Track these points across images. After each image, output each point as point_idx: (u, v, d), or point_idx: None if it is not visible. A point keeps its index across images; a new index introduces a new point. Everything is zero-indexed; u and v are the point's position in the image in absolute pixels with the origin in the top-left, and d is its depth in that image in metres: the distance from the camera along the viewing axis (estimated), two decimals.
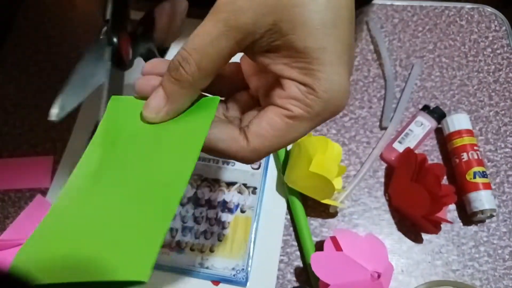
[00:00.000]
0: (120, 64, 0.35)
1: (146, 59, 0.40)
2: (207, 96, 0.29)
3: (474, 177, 0.49)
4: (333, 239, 0.44)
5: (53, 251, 0.22)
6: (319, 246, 0.48)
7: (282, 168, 0.51)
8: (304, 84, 0.24)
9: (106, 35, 0.34)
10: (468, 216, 0.50)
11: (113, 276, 0.20)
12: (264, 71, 0.28)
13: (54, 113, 0.26)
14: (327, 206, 0.50)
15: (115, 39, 0.35)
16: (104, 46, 0.34)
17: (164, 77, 0.26)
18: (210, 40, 0.24)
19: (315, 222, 0.50)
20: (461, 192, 0.50)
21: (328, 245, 0.44)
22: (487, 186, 0.49)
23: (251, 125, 0.26)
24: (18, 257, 0.22)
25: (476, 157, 0.50)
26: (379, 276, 0.42)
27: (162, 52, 0.43)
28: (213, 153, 0.26)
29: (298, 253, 0.49)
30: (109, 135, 0.28)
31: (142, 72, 0.29)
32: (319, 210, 0.50)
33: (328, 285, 0.42)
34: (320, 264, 0.43)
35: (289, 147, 0.53)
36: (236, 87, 0.30)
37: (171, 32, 0.42)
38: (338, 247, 0.44)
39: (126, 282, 0.20)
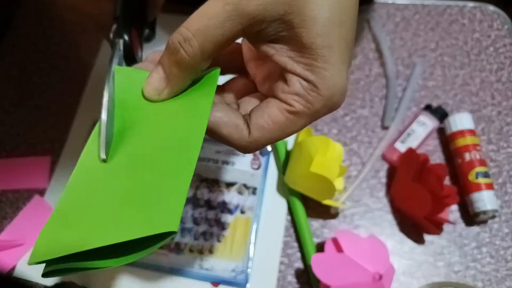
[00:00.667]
0: (132, 62, 0.34)
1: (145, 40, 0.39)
2: (208, 69, 0.29)
3: (477, 178, 0.49)
4: (334, 240, 0.44)
5: (78, 222, 0.22)
6: (320, 248, 0.47)
7: (283, 168, 0.51)
8: (308, 81, 0.24)
9: (116, 34, 0.33)
10: (471, 217, 0.49)
11: (144, 231, 0.21)
12: (264, 59, 0.28)
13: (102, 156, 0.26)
14: (328, 207, 0.49)
15: (126, 37, 0.35)
16: (116, 47, 0.33)
17: (163, 56, 0.26)
18: (217, 23, 0.23)
19: (316, 223, 0.50)
20: (463, 193, 0.49)
21: (329, 246, 0.44)
22: (489, 186, 0.48)
23: (253, 116, 0.26)
24: (43, 233, 0.22)
25: (478, 157, 0.50)
26: (380, 277, 0.41)
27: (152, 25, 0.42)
28: (214, 135, 0.26)
29: (298, 254, 0.48)
30: (118, 106, 0.27)
31: (145, 59, 0.29)
32: (320, 210, 0.50)
33: (329, 286, 0.42)
34: (321, 266, 0.43)
35: (289, 147, 0.52)
36: (234, 68, 0.30)
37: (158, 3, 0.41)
38: (339, 249, 0.43)
39: (157, 236, 0.21)
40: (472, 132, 0.51)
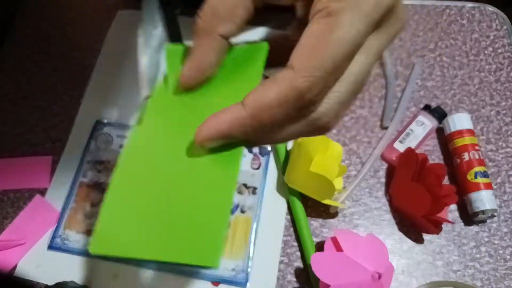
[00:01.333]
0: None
1: None
2: (254, 43, 0.27)
3: (475, 177, 0.49)
4: (334, 240, 0.44)
5: (130, 229, 0.24)
6: (320, 247, 0.48)
7: (283, 168, 0.51)
8: None
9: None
10: (469, 216, 0.49)
11: (190, 260, 0.23)
12: None
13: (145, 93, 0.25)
14: (327, 206, 0.50)
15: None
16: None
17: None
18: None
19: (315, 223, 0.50)
20: (462, 192, 0.50)
21: (328, 245, 0.44)
22: (488, 186, 0.49)
23: (291, 55, 0.21)
24: (98, 233, 0.24)
25: (477, 157, 0.50)
26: (380, 276, 0.42)
27: None
28: (267, 113, 0.21)
29: (298, 253, 0.48)
30: (165, 100, 0.27)
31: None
32: (320, 210, 0.50)
33: (328, 285, 0.42)
34: (320, 265, 0.43)
35: (289, 147, 0.52)
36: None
37: None
38: (338, 248, 0.43)
39: (200, 266, 0.23)
40: (471, 132, 0.51)
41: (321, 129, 0.23)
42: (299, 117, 0.22)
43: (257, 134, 0.22)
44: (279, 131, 0.22)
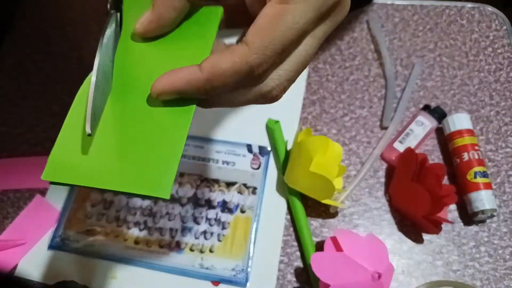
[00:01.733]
0: None
1: None
2: (209, 7, 0.28)
3: (475, 177, 0.49)
4: (333, 239, 0.44)
5: (82, 157, 0.25)
6: (319, 247, 0.48)
7: (282, 168, 0.51)
8: None
9: (112, 4, 0.33)
10: (469, 216, 0.49)
11: (140, 190, 0.24)
12: None
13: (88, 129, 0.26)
14: (327, 206, 0.50)
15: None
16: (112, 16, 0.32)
17: None
18: None
19: (315, 222, 0.50)
20: (461, 192, 0.50)
21: (328, 245, 0.44)
22: (487, 186, 0.49)
23: (247, 31, 0.24)
24: (51, 159, 0.25)
25: (476, 157, 0.50)
26: (379, 276, 0.42)
27: None
28: (220, 79, 0.24)
29: (298, 253, 0.49)
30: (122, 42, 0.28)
31: None
32: (319, 210, 0.50)
33: (328, 285, 0.42)
34: (320, 265, 0.43)
35: (289, 147, 0.52)
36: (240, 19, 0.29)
37: None
38: (338, 248, 0.44)
39: (150, 196, 0.24)
40: (470, 132, 0.51)
41: (269, 100, 0.26)
42: (248, 87, 0.25)
43: (209, 95, 0.25)
44: (230, 96, 0.26)
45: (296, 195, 0.49)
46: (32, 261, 0.47)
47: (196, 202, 0.50)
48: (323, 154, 0.47)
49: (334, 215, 0.50)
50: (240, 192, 0.50)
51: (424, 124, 0.53)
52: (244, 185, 0.51)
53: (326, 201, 0.48)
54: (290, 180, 0.49)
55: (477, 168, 0.49)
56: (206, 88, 0.24)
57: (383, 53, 0.58)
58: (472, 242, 0.49)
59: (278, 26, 0.23)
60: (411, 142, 0.52)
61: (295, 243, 0.49)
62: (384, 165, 0.53)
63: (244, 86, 0.25)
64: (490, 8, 0.63)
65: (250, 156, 0.52)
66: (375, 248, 0.44)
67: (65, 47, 0.60)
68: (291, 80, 0.26)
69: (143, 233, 0.48)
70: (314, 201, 0.49)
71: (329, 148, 0.48)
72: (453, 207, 0.51)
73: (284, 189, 0.51)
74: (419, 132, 0.52)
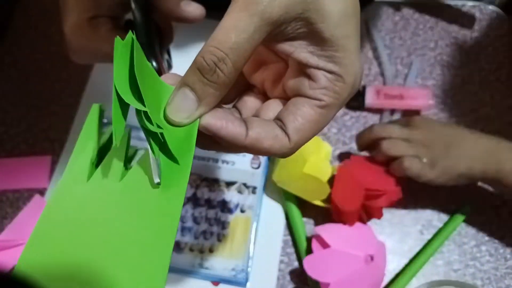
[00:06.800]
0: None
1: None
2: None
3: None
4: (318, 238, 0.44)
5: (56, 258, 0.22)
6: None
7: (270, 168, 0.51)
8: (332, 72, 0.25)
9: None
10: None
11: None
12: (266, 64, 0.29)
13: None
14: (321, 207, 0.49)
15: (154, 63, 0.34)
16: None
17: (191, 78, 0.25)
18: (247, 37, 0.23)
19: (308, 225, 0.50)
20: None
21: (315, 245, 0.44)
22: None
23: (287, 121, 0.26)
24: (21, 259, 0.22)
25: None
26: (372, 258, 0.42)
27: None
28: (253, 151, 0.26)
29: None
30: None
31: None
32: (314, 211, 0.50)
33: (328, 284, 0.42)
34: (313, 267, 0.43)
35: None
36: (240, 89, 0.30)
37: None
38: (325, 245, 0.43)
39: None
40: None
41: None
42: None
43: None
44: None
45: (292, 199, 0.49)
46: None
47: (196, 201, 0.49)
48: (317, 156, 0.46)
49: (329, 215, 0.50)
50: (240, 192, 0.50)
51: None
52: (244, 184, 0.50)
53: (316, 202, 0.47)
54: (280, 180, 0.48)
55: None
56: (238, 150, 0.26)
57: (380, 52, 0.58)
58: (472, 241, 0.49)
59: (316, 128, 0.27)
60: None
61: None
62: None
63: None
64: (490, 7, 0.62)
65: (250, 155, 0.52)
66: (360, 231, 0.45)
67: (64, 47, 0.60)
68: None
69: None
70: (308, 202, 0.48)
71: (321, 148, 0.48)
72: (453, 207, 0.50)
73: (279, 190, 0.51)
74: None
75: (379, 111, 0.55)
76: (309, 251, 0.47)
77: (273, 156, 0.27)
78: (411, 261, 0.47)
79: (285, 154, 0.27)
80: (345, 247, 0.42)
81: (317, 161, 0.46)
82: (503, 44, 0.60)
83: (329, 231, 0.44)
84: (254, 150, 0.26)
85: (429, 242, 0.48)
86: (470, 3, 0.63)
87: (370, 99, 0.54)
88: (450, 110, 0.55)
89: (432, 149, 0.45)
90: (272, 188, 0.51)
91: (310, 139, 0.27)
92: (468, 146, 0.45)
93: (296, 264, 0.48)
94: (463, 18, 0.62)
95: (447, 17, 0.62)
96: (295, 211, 0.49)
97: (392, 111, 0.55)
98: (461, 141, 0.45)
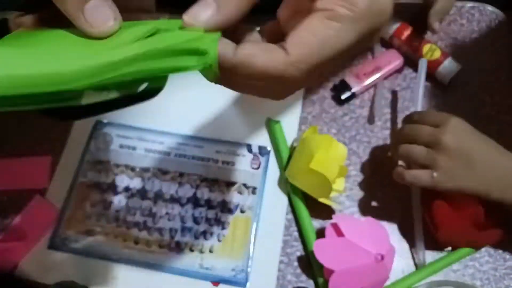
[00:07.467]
0: None
1: None
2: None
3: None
4: (334, 226, 0.44)
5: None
6: (320, 235, 0.47)
7: (285, 165, 0.51)
8: None
9: None
10: None
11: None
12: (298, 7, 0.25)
13: None
14: (328, 207, 0.49)
15: None
16: None
17: None
18: None
19: (315, 223, 0.50)
20: None
21: (329, 231, 0.44)
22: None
23: (289, 36, 0.23)
24: None
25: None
26: (382, 258, 0.42)
27: None
28: (247, 75, 0.23)
29: (298, 253, 0.48)
30: None
31: None
32: (320, 209, 0.50)
33: (332, 271, 0.42)
34: (323, 251, 0.43)
35: (292, 144, 0.52)
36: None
37: None
38: (339, 233, 0.44)
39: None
40: None
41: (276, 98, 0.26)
42: (269, 86, 0.24)
43: (224, 71, 0.23)
44: (246, 87, 0.25)
45: (298, 192, 0.49)
46: (32, 261, 0.47)
47: (196, 202, 0.50)
48: (325, 153, 0.46)
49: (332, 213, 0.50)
50: (240, 192, 0.50)
51: None
52: (244, 185, 0.50)
53: (322, 200, 0.48)
54: (290, 175, 0.49)
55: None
56: (227, 75, 0.23)
57: (377, 52, 0.58)
58: None
59: (322, 44, 0.22)
60: None
61: (296, 243, 0.49)
62: (385, 165, 0.53)
63: (264, 84, 0.24)
64: (490, 8, 0.62)
65: (250, 156, 0.52)
66: (376, 231, 0.45)
67: None
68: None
69: (143, 234, 0.48)
70: (314, 201, 0.49)
71: (333, 147, 0.48)
72: None
73: (284, 189, 0.51)
74: None
75: (371, 99, 0.55)
76: (318, 236, 0.47)
77: (271, 80, 0.23)
78: (416, 271, 0.47)
79: (286, 74, 0.22)
80: (358, 241, 0.42)
81: (325, 158, 0.46)
82: (503, 44, 0.60)
83: (347, 222, 0.44)
84: (246, 71, 0.22)
85: (441, 258, 0.48)
86: (470, 4, 0.63)
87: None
88: (450, 111, 0.55)
89: (453, 160, 0.42)
90: (272, 188, 0.51)
91: (315, 58, 0.22)
92: (489, 167, 0.43)
93: (296, 264, 0.48)
94: (462, 19, 0.62)
95: (446, 18, 0.62)
96: (299, 196, 0.49)
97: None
98: (484, 161, 0.43)
